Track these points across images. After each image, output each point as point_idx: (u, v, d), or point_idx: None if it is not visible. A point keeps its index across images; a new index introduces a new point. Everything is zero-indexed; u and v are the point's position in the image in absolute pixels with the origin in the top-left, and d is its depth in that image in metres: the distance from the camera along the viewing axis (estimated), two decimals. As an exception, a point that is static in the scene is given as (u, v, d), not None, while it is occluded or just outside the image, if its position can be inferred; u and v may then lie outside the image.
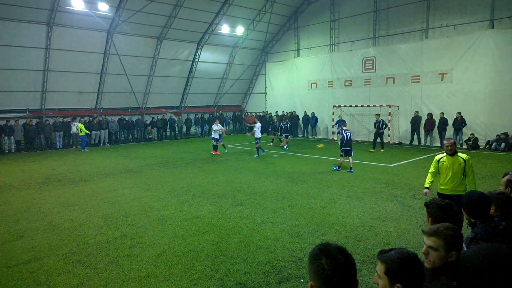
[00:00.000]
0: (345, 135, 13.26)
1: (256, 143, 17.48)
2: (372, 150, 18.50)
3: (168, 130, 27.47)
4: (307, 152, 18.71)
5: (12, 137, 20.54)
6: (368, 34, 23.84)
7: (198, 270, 5.68)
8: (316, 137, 26.48)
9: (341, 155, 13.39)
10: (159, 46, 25.12)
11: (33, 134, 21.36)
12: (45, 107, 22.52)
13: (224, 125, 17.78)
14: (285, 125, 20.46)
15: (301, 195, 10.12)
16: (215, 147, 18.33)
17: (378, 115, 19.28)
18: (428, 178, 6.67)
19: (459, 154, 6.28)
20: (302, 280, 5.35)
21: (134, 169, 14.63)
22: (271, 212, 8.65)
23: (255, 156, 17.42)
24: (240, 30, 27.22)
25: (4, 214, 8.76)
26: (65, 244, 6.87)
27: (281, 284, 5.26)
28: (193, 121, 28.76)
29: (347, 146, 13.24)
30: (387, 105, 21.86)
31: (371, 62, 23.31)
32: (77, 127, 21.29)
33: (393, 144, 21.73)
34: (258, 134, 17.42)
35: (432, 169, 6.57)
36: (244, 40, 28.65)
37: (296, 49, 28.45)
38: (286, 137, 20.39)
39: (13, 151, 20.72)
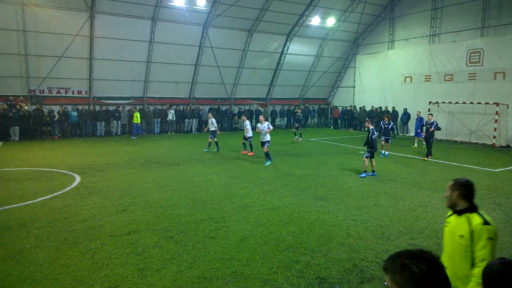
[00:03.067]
0: (376, 133, 11.99)
1: (212, 137, 16.62)
2: (426, 158, 15.03)
3: (254, 121, 28.18)
4: (396, 150, 17.59)
5: (119, 122, 23.17)
6: (476, 24, 21.32)
7: (278, 259, 5.76)
8: (407, 135, 24.74)
9: (367, 157, 11.89)
10: (250, 38, 25.78)
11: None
12: (147, 95, 24.83)
13: (275, 120, 14.74)
14: (386, 125, 15.81)
15: (388, 195, 9.58)
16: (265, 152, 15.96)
17: (431, 115, 15.70)
18: None
19: (470, 215, 3.04)
20: (386, 283, 5.07)
21: (221, 157, 15.35)
22: (355, 209, 8.36)
23: (205, 150, 16.62)
24: (331, 21, 26.52)
25: (110, 189, 9.94)
26: (159, 220, 7.54)
27: (363, 284, 5.07)
28: (278, 113, 29.06)
29: (374, 148, 11.82)
30: (494, 103, 19.37)
31: (478, 54, 20.86)
32: (173, 113, 23.06)
33: (499, 147, 19.25)
34: (212, 128, 16.65)
35: None
36: (335, 31, 27.86)
37: (390, 40, 26.75)
38: (387, 140, 15.87)
39: (119, 134, 23.38)
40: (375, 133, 12.03)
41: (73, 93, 22.66)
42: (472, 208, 3.08)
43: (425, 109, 23.06)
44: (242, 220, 7.55)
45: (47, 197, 9.13)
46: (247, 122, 15.84)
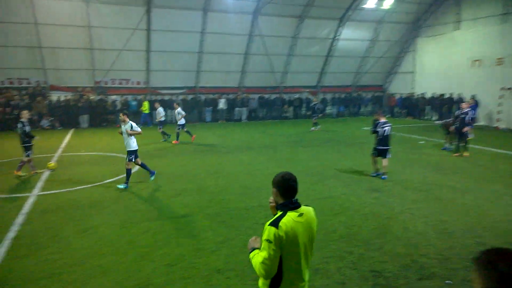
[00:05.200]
0: (381, 129, 9.87)
1: (160, 128, 16.99)
2: (466, 153, 12.82)
3: (303, 109, 27.75)
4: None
5: (173, 110, 24.01)
6: (559, -2, 18.97)
7: (330, 249, 5.62)
8: (475, 124, 22.83)
9: (373, 154, 10.16)
10: (300, 25, 25.20)
11: (189, 109, 24.49)
12: (199, 85, 25.43)
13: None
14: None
15: (451, 188, 8.91)
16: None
17: (465, 103, 13.20)
18: None
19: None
20: (448, 281, 4.72)
21: (270, 145, 15.30)
22: (412, 202, 7.91)
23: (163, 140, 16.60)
24: (388, 2, 25.03)
25: (166, 175, 10.33)
26: (211, 205, 7.73)
27: (422, 281, 4.77)
28: (329, 101, 28.34)
29: (382, 145, 9.97)
30: None
31: (559, 33, 18.58)
32: (224, 102, 23.33)
33: None
34: (163, 118, 17.49)
35: None
36: (392, 13, 26.27)
37: (456, 21, 24.65)
38: (448, 133, 14.01)
39: (173, 122, 24.25)
40: (384, 127, 9.90)
41: (132, 84, 23.92)
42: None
43: (495, 95, 21.14)
44: (293, 209, 7.45)
45: (112, 179, 9.78)
46: (179, 109, 16.14)
